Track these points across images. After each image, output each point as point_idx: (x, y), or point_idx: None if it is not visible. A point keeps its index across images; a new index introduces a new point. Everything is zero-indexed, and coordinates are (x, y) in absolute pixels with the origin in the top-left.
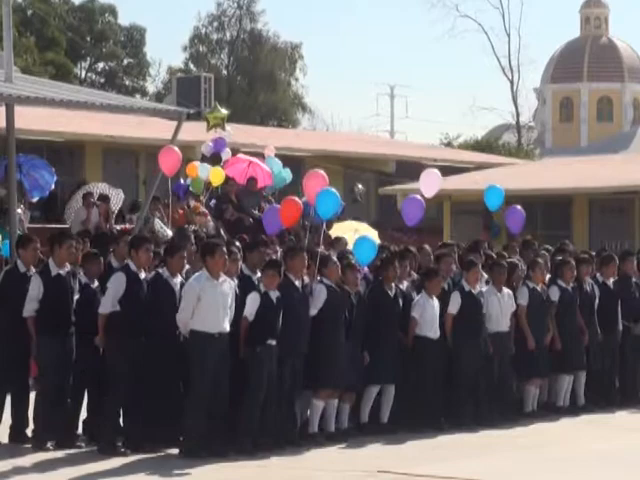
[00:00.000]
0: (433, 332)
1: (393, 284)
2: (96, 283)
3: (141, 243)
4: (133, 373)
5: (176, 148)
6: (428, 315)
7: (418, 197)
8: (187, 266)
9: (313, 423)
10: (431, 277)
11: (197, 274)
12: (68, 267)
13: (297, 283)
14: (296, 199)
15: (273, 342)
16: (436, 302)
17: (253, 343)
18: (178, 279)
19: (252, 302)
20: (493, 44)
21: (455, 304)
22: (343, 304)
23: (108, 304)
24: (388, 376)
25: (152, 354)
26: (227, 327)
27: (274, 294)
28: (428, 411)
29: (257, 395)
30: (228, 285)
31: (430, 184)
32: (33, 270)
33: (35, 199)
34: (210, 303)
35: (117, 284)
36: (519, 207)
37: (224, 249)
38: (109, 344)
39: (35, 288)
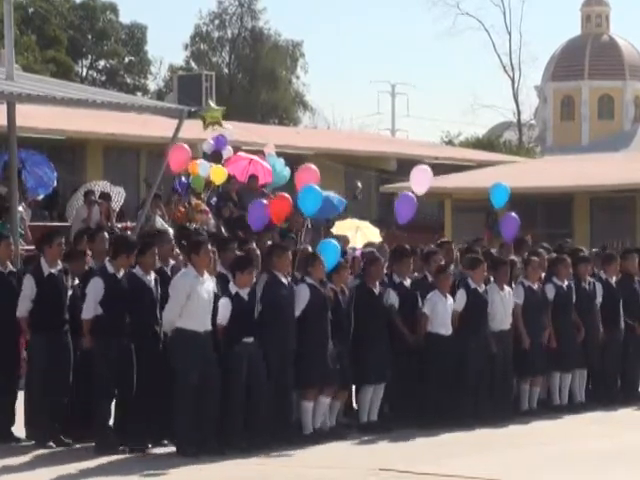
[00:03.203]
0: (445, 329)
1: (377, 282)
2: (77, 281)
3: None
4: (119, 372)
5: (186, 146)
6: (439, 312)
7: (411, 195)
8: (172, 262)
9: (306, 424)
10: (440, 274)
11: (183, 271)
12: (60, 265)
13: (284, 280)
14: (286, 195)
15: (250, 339)
16: (450, 299)
17: (230, 343)
18: (152, 276)
19: (224, 308)
20: (494, 42)
21: (461, 301)
22: (327, 303)
23: (90, 309)
24: (380, 375)
25: (134, 353)
26: (210, 325)
27: (245, 292)
28: (434, 408)
29: (238, 393)
30: (210, 282)
31: (421, 181)
32: (10, 267)
33: (41, 196)
34: (197, 301)
35: (95, 289)
36: (514, 214)
37: (209, 246)
38: (94, 344)
39: (28, 288)
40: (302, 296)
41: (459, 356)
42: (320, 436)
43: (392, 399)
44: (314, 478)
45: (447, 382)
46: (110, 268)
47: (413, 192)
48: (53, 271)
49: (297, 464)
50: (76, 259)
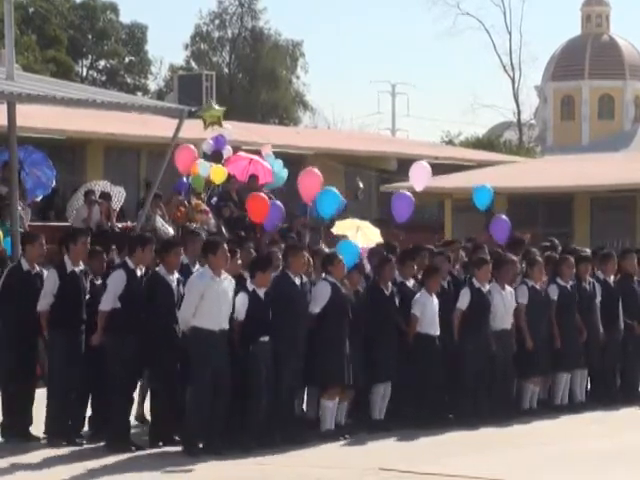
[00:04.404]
0: (434, 329)
1: (389, 283)
2: (100, 280)
3: (148, 243)
4: (133, 369)
5: (192, 146)
6: (428, 312)
7: (407, 194)
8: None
9: (326, 420)
10: (431, 274)
11: (200, 271)
12: (82, 265)
13: (296, 280)
14: (260, 194)
15: (266, 338)
16: (435, 299)
17: (246, 342)
18: (175, 276)
19: (241, 303)
20: (494, 42)
21: (465, 300)
22: (347, 301)
23: (109, 301)
24: (391, 374)
25: (151, 351)
26: (227, 324)
27: (261, 291)
28: (431, 408)
29: (257, 393)
30: (228, 282)
31: (420, 177)
32: (37, 268)
33: (39, 198)
34: (213, 300)
35: (117, 281)
36: (504, 216)
37: (226, 246)
38: (110, 341)
39: (51, 282)
40: (323, 293)
41: (454, 356)
42: (321, 436)
43: (390, 398)
44: (314, 478)
45: (441, 382)
46: (131, 264)
47: (413, 190)
48: (76, 269)
49: (298, 464)
50: (95, 258)
